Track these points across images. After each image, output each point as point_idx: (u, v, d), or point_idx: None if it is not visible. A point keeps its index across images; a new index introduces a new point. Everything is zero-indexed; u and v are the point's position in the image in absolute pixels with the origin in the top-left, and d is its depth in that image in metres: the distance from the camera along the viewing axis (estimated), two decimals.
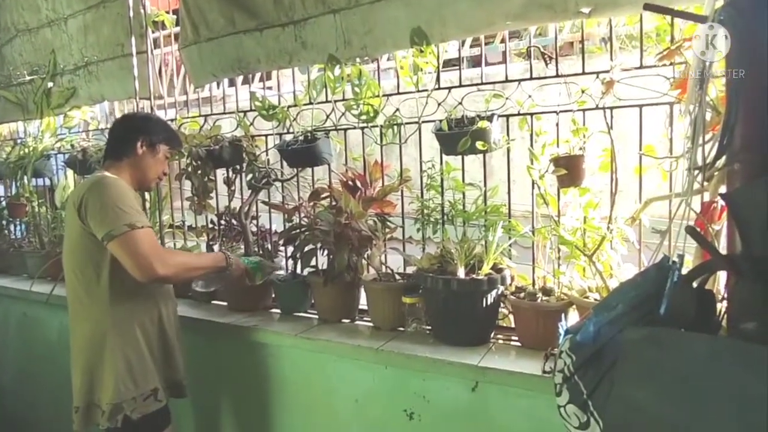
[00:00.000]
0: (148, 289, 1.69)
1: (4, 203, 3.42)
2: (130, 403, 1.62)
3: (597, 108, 1.59)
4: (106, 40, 2.59)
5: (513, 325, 1.72)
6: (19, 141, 3.32)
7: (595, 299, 1.56)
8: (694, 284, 0.86)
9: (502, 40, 1.89)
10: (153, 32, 2.55)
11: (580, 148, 1.62)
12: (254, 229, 2.30)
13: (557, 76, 1.67)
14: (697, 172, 0.98)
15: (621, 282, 1.05)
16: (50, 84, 2.89)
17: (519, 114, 1.73)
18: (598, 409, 0.94)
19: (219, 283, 1.92)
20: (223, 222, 2.37)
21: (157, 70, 2.54)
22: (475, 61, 4.40)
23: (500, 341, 1.71)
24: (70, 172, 3.01)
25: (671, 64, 1.41)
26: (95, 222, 1.55)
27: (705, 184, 1.21)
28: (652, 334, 0.83)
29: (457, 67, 1.93)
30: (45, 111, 2.93)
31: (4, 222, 3.36)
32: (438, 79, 1.83)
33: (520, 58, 3.17)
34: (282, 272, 2.17)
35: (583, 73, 1.64)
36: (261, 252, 2.22)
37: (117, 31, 2.53)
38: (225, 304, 2.23)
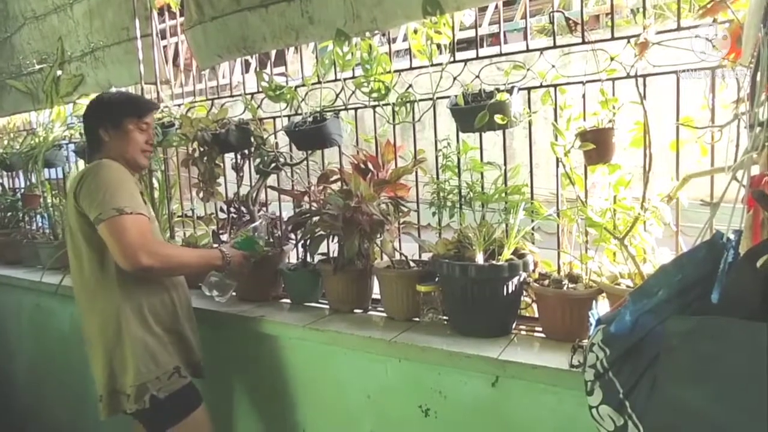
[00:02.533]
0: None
1: (18, 195, 3.42)
2: (155, 383, 1.58)
3: (628, 76, 1.45)
4: (111, 24, 2.52)
5: (536, 315, 1.59)
6: (31, 131, 3.30)
7: (628, 286, 1.42)
8: (758, 264, 0.73)
9: (523, 16, 1.75)
10: (159, 15, 2.47)
11: (610, 121, 1.47)
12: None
13: (583, 42, 1.53)
14: (760, 128, 0.83)
15: (662, 264, 0.91)
16: (59, 72, 2.84)
17: (541, 86, 1.59)
18: (638, 410, 0.82)
19: (232, 286, 1.83)
20: (232, 209, 2.28)
21: (162, 54, 2.46)
22: (494, 43, 4.23)
23: (523, 332, 1.59)
24: (81, 162, 2.97)
25: (714, 21, 1.26)
26: (87, 204, 1.51)
27: (755, 155, 1.07)
28: (706, 325, 0.70)
29: (474, 46, 1.79)
30: (54, 100, 2.88)
31: (19, 214, 3.36)
32: (453, 51, 1.70)
33: (541, 34, 3.00)
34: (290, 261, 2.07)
35: (613, 38, 1.50)
36: (270, 238, 2.12)
37: (121, 14, 2.46)
38: (234, 293, 2.15)
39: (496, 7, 2.10)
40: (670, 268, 0.85)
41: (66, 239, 1.70)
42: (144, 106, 1.74)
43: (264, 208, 2.23)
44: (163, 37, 2.52)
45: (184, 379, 1.65)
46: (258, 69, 2.34)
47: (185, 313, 1.77)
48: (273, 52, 2.24)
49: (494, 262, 1.52)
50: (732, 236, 0.76)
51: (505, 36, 1.84)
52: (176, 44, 3.26)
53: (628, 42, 1.44)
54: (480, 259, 1.54)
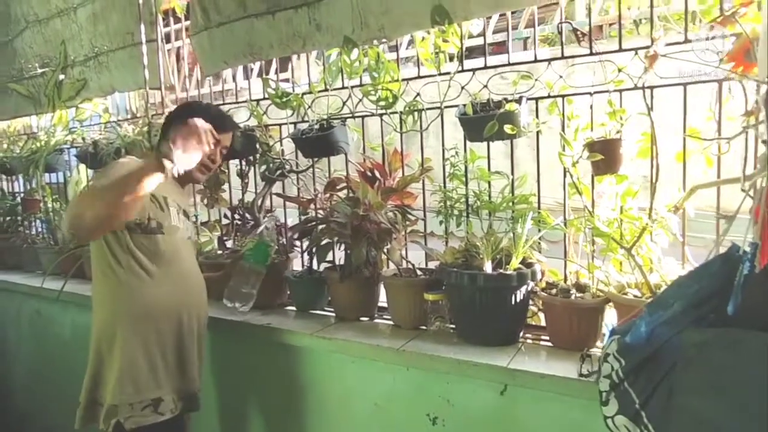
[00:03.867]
0: (171, 292, 1.59)
1: (18, 199, 3.41)
2: (125, 409, 1.48)
3: (636, 88, 1.46)
4: (115, 29, 2.52)
5: (544, 324, 1.60)
6: (32, 135, 3.29)
7: (635, 296, 1.43)
8: None
9: (527, 25, 1.77)
10: (164, 19, 2.48)
11: (617, 132, 1.49)
12: None
13: (591, 54, 1.54)
14: None
15: (678, 276, 0.92)
16: (61, 76, 2.83)
17: (549, 96, 1.61)
18: (654, 421, 0.82)
19: (254, 296, 1.70)
20: (237, 216, 2.28)
21: (168, 59, 2.47)
22: (495, 51, 4.26)
23: (530, 341, 1.59)
24: (83, 167, 2.96)
25: (722, 36, 1.28)
26: None
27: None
28: (724, 336, 0.71)
29: (481, 56, 1.80)
30: (56, 104, 2.88)
31: (19, 218, 3.34)
32: (461, 60, 1.71)
33: (545, 44, 3.03)
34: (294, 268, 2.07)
35: (620, 50, 1.51)
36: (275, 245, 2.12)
37: (126, 19, 2.46)
38: None
39: (501, 15, 2.12)
40: (686, 280, 0.86)
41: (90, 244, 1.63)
42: (219, 122, 1.62)
43: (269, 215, 2.23)
44: (167, 41, 2.52)
45: (159, 416, 1.51)
46: (262, 74, 2.35)
47: (195, 336, 1.66)
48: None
49: (502, 271, 1.53)
50: (748, 249, 0.77)
51: (510, 44, 1.85)
52: (178, 48, 3.26)
53: (636, 53, 1.45)
54: (488, 268, 1.55)
